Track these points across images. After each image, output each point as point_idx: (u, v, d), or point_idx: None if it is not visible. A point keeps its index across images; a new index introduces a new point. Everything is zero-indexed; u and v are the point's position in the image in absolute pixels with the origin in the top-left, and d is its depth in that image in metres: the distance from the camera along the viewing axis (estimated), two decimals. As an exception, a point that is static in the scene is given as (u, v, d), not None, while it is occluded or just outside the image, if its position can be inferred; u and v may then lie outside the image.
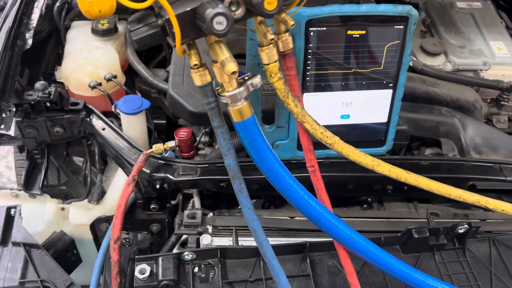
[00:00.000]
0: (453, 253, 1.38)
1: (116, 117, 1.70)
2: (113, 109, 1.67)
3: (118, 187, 1.72)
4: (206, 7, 0.84)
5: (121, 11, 2.01)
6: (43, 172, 1.76)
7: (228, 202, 1.66)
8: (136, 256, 1.26)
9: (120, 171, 1.69)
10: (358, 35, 1.28)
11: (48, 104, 1.62)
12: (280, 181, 1.07)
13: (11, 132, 1.64)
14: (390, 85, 1.37)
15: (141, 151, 1.50)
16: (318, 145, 1.20)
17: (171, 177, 1.47)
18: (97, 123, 1.63)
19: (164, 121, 1.90)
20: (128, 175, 1.49)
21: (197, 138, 1.72)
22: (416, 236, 1.32)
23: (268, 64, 1.01)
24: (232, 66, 0.90)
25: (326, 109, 1.40)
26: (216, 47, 0.92)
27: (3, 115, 1.56)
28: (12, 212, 1.39)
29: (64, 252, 1.66)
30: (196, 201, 1.56)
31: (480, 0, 2.23)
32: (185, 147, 1.58)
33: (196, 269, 1.27)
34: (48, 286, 1.26)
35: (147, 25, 0.89)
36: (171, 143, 1.53)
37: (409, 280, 1.18)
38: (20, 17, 1.77)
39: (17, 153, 1.89)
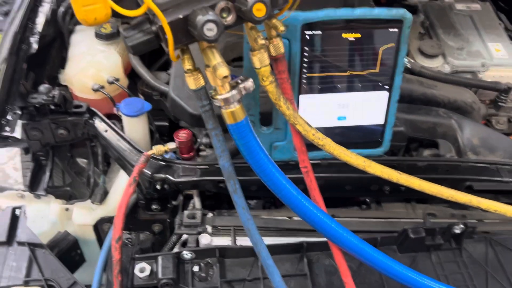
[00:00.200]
0: (449, 253, 1.39)
1: (119, 119, 1.72)
2: (115, 111, 1.70)
3: (121, 188, 1.73)
4: (197, 14, 0.86)
5: (124, 16, 2.03)
6: (47, 173, 1.79)
7: (229, 202, 1.67)
8: (136, 255, 1.29)
9: (122, 173, 1.72)
10: (353, 39, 1.30)
11: (52, 107, 1.64)
12: (273, 181, 1.09)
13: (17, 134, 1.67)
14: (386, 87, 1.39)
15: (142, 152, 1.52)
16: (315, 146, 1.22)
17: (171, 178, 1.49)
18: (100, 125, 1.65)
19: (166, 123, 1.92)
20: (130, 176, 1.51)
21: (198, 140, 1.75)
22: (412, 236, 1.34)
23: (259, 68, 1.03)
24: (224, 70, 0.92)
25: (323, 111, 1.41)
26: (209, 52, 0.95)
27: (9, 118, 1.59)
28: (17, 213, 1.41)
29: (68, 251, 1.70)
30: (197, 201, 1.58)
31: (479, 2, 2.23)
32: (185, 148, 1.60)
33: (195, 268, 1.29)
34: (52, 285, 1.28)
35: (142, 32, 0.91)
36: (171, 145, 1.55)
37: (403, 279, 1.20)
38: (26, 22, 1.80)
39: (22, 155, 1.92)
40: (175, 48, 0.91)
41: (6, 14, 1.87)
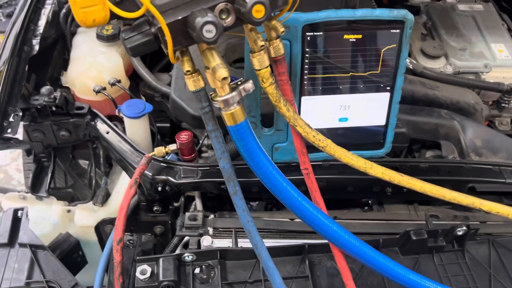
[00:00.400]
0: (452, 255, 1.38)
1: (121, 120, 1.73)
2: (117, 113, 1.70)
3: (123, 189, 1.74)
4: (196, 16, 0.86)
5: (123, 18, 2.03)
6: (49, 174, 1.79)
7: (231, 204, 1.67)
8: (137, 257, 1.29)
9: (124, 174, 1.72)
10: (354, 40, 1.29)
11: (54, 109, 1.65)
12: (273, 183, 1.09)
13: (19, 136, 1.68)
14: (387, 88, 1.38)
15: (143, 154, 1.52)
16: (316, 148, 1.21)
17: (173, 179, 1.49)
18: (102, 127, 1.66)
19: (168, 125, 1.93)
20: (131, 178, 1.51)
21: (200, 141, 1.75)
22: (414, 238, 1.33)
23: (259, 70, 1.03)
24: (223, 72, 0.92)
25: (324, 112, 1.41)
26: (208, 54, 0.94)
27: (11, 119, 1.60)
28: (19, 214, 1.41)
29: (70, 253, 1.70)
30: (198, 203, 1.58)
31: (481, 2, 2.22)
32: (186, 150, 1.60)
33: (196, 270, 1.29)
34: (53, 286, 1.29)
35: (141, 33, 0.91)
36: (172, 146, 1.55)
37: (405, 281, 1.19)
38: (28, 24, 1.81)
39: (24, 156, 1.93)
40: (174, 49, 0.91)
41: (9, 15, 1.88)
